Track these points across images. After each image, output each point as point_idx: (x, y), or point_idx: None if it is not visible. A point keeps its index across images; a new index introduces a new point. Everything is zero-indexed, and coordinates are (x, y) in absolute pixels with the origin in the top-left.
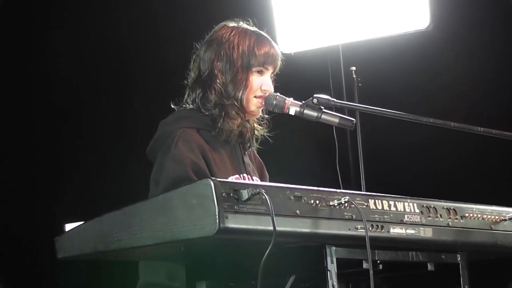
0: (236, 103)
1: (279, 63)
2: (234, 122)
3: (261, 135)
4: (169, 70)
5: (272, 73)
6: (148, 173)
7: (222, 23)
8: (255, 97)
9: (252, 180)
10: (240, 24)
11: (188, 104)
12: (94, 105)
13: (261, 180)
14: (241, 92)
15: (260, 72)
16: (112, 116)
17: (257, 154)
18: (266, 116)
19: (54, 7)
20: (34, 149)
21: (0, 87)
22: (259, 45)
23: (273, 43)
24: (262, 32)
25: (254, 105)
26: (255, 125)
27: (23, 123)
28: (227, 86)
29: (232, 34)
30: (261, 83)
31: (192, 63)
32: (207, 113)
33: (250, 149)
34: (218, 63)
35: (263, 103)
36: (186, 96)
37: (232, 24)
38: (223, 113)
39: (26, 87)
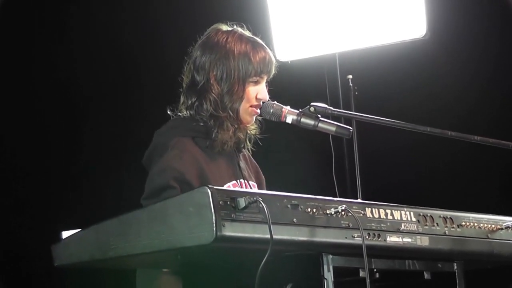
0: (231, 114)
1: (273, 70)
2: (228, 133)
3: (254, 134)
4: (167, 77)
5: (266, 80)
6: (145, 182)
7: (216, 27)
8: (250, 106)
9: (249, 185)
10: (234, 29)
11: (182, 111)
12: (90, 113)
13: (258, 183)
14: (237, 103)
15: (256, 82)
16: (109, 124)
17: (252, 158)
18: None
19: (60, 12)
20: (29, 156)
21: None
22: (255, 54)
23: (268, 50)
24: (257, 39)
25: (249, 114)
26: (248, 126)
27: (19, 130)
28: (223, 97)
29: (228, 41)
30: (257, 92)
31: (185, 66)
32: (201, 123)
33: (244, 150)
34: (214, 73)
35: (258, 111)
36: (180, 102)
37: (225, 28)
38: (218, 124)
39: (20, 96)
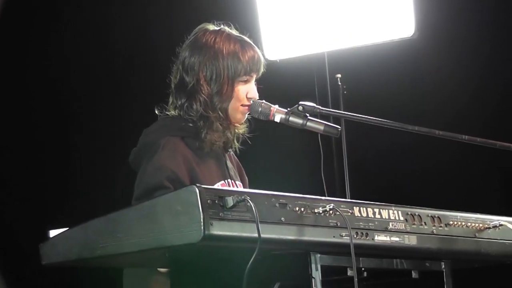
0: (221, 114)
1: (262, 68)
2: (218, 133)
3: (241, 134)
4: (157, 77)
5: (255, 78)
6: (134, 180)
7: (203, 27)
8: (241, 105)
9: (236, 184)
10: (222, 28)
11: (171, 111)
12: (80, 112)
13: (242, 183)
14: (227, 103)
15: (245, 81)
16: (98, 123)
17: (236, 158)
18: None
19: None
20: (18, 155)
21: None
22: (244, 53)
23: (256, 48)
24: (245, 37)
25: (240, 113)
26: (236, 125)
27: (8, 129)
28: (213, 97)
29: (216, 41)
30: (247, 91)
31: (173, 67)
32: (190, 124)
33: (231, 150)
34: (203, 73)
35: (248, 110)
36: (169, 103)
37: (213, 27)
38: (207, 125)
39: (11, 95)
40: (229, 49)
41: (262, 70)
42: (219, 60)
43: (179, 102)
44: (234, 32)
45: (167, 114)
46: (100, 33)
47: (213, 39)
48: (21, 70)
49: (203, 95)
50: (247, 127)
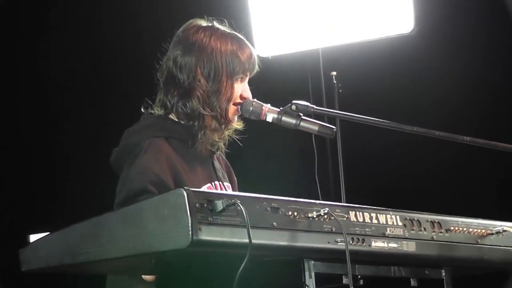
0: (219, 113)
1: (257, 67)
2: (216, 133)
3: (228, 135)
4: (144, 77)
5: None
6: (117, 183)
7: (193, 23)
8: (234, 104)
9: (224, 186)
10: (214, 25)
11: (156, 109)
12: (63, 113)
13: (231, 184)
14: (226, 102)
15: (241, 79)
16: (82, 125)
17: (224, 157)
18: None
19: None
20: None
21: None
22: (242, 51)
23: (251, 46)
24: (239, 35)
25: (232, 113)
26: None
27: None
28: (210, 95)
29: (212, 38)
30: (242, 90)
31: (162, 65)
32: (181, 122)
33: (218, 152)
34: (200, 70)
35: (239, 109)
36: (157, 100)
37: (204, 23)
38: (204, 125)
39: None
40: (227, 47)
41: (256, 69)
42: (217, 57)
43: (172, 101)
44: (227, 29)
45: (151, 113)
46: (86, 32)
47: (208, 36)
48: (5, 69)
49: (201, 91)
50: (237, 128)
